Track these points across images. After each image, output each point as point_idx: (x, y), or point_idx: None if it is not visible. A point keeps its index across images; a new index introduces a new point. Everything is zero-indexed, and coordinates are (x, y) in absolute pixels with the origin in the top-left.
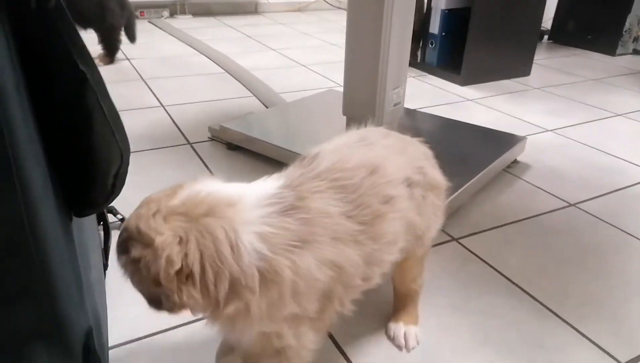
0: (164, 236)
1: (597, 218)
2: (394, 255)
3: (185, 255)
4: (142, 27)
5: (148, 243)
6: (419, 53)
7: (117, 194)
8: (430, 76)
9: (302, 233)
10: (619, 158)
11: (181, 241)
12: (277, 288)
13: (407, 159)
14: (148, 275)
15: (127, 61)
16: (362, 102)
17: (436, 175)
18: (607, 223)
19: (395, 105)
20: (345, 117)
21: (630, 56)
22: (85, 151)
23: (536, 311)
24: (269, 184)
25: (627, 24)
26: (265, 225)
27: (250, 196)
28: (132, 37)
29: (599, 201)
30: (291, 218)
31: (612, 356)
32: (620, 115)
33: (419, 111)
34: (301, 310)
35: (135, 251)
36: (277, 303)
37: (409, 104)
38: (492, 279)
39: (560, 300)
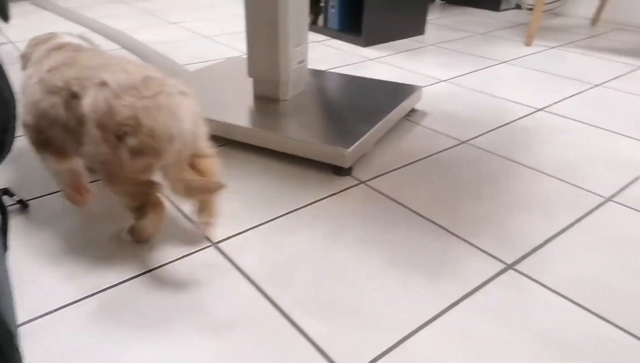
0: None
1: (486, 150)
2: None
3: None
4: (22, 9)
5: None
6: (320, 19)
7: (7, 153)
8: (334, 39)
9: (39, 59)
10: (504, 98)
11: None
12: None
13: (78, 76)
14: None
15: (11, 44)
16: (266, 62)
17: (86, 103)
18: (495, 153)
19: (299, 63)
20: (252, 79)
21: (513, 10)
22: None
23: (437, 235)
24: (67, 37)
25: None
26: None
27: (60, 38)
28: (5, 16)
29: (487, 136)
30: (51, 55)
31: (499, 259)
32: (504, 62)
33: (325, 71)
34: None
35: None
36: None
37: (315, 67)
38: (397, 213)
39: (456, 222)
